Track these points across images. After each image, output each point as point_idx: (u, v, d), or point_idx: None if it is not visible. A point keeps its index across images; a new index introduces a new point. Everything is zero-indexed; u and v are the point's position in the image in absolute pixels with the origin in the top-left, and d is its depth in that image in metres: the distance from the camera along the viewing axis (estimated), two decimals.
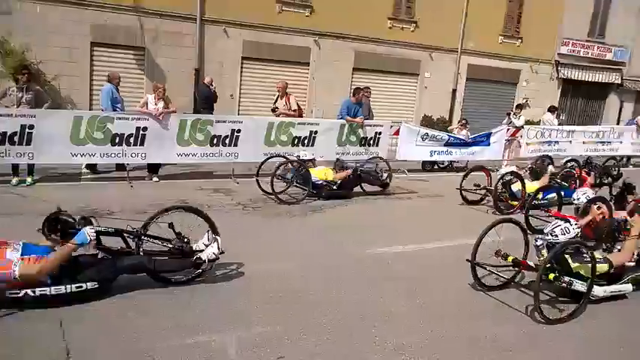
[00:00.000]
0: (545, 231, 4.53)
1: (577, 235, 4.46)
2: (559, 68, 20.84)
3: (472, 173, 8.38)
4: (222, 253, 4.25)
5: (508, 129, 12.64)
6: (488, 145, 12.21)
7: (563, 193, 7.52)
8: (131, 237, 4.18)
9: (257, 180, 7.84)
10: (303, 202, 7.57)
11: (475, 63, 18.97)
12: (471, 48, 18.65)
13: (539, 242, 4.57)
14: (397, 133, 11.05)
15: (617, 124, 19.47)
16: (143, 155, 8.36)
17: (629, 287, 4.55)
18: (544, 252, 4.43)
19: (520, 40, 19.67)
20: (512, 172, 8.05)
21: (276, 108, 10.06)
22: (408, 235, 6.22)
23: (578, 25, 20.75)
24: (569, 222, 4.59)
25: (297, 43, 16.18)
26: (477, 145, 12.09)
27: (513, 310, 4.22)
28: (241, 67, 15.78)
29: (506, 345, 3.61)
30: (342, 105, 10.38)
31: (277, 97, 10.22)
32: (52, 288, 3.56)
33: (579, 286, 4.23)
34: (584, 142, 13.88)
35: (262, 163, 8.13)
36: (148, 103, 8.54)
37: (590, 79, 21.51)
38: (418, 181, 10.37)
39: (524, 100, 18.35)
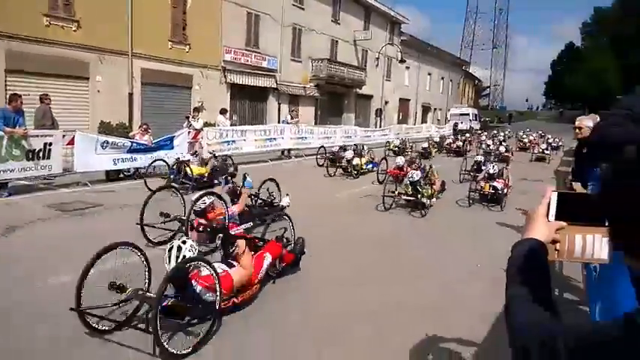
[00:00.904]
0: (409, 175, 8.97)
1: (420, 176, 9.01)
2: (226, 74, 22.74)
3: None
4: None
5: (189, 132, 13.17)
6: (172, 148, 12.47)
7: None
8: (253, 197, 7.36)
9: (145, 181, 9.85)
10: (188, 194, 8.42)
11: (148, 67, 18.81)
12: (142, 52, 18.41)
13: (406, 180, 9.06)
14: (72, 142, 10.09)
15: (278, 122, 22.76)
16: None
17: (434, 201, 9.49)
18: (408, 185, 8.98)
19: (188, 46, 20.52)
20: (353, 155, 13.54)
21: None
22: None
23: (236, 36, 23.17)
24: (417, 171, 9.31)
25: None
26: (161, 149, 12.16)
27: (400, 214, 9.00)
28: None
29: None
30: None
31: None
32: (243, 225, 5.77)
33: (425, 199, 8.87)
34: (255, 140, 15.74)
35: (149, 166, 10.90)
36: None
37: (252, 84, 24.32)
38: (103, 192, 9.69)
39: (200, 104, 19.34)
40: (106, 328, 3.73)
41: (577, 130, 5.75)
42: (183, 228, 5.89)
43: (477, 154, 15.52)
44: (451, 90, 55.62)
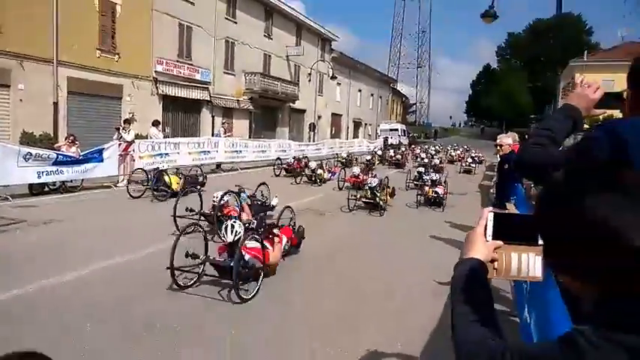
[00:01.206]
0: (368, 181, 10.94)
1: (378, 183, 10.79)
2: (158, 85, 22.24)
3: None
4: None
5: (120, 144, 12.83)
6: (102, 161, 12.10)
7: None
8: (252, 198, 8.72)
9: (127, 188, 11.17)
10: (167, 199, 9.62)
11: (75, 76, 18.03)
12: (68, 60, 17.62)
13: (367, 186, 10.77)
14: None
15: (212, 135, 22.55)
16: None
17: (389, 203, 11.26)
18: (368, 190, 10.66)
19: (118, 56, 19.92)
20: (318, 166, 15.64)
21: None
22: None
23: (168, 47, 22.79)
24: (375, 179, 10.98)
25: None
26: (89, 162, 11.77)
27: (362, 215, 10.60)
28: None
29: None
30: None
31: None
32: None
33: (381, 202, 10.51)
34: (189, 153, 15.59)
35: (131, 173, 12.34)
36: None
37: (185, 96, 23.98)
38: (26, 207, 9.22)
39: (131, 115, 18.73)
40: (182, 284, 5.21)
41: (498, 148, 6.43)
42: (202, 218, 7.55)
43: (416, 166, 17.37)
44: (380, 106, 57.67)
